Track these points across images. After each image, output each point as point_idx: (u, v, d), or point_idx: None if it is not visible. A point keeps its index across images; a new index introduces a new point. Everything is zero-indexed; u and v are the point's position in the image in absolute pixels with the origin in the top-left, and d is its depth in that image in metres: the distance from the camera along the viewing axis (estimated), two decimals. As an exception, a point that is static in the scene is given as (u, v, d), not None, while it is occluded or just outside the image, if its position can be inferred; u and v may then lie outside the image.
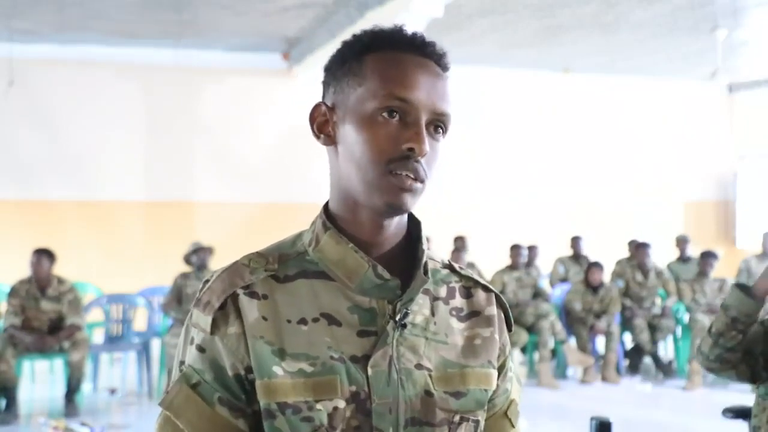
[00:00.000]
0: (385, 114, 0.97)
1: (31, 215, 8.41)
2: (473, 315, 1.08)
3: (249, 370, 0.96)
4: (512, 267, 7.31)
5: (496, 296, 1.14)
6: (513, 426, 1.14)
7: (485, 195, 9.85)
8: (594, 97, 10.47)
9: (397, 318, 0.99)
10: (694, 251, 8.26)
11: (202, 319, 0.98)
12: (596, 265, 7.16)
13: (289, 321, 0.97)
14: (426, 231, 1.07)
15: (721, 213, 11.26)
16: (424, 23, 6.62)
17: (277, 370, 0.95)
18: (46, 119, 8.50)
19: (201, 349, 0.97)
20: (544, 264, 8.41)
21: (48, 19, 7.40)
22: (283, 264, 1.01)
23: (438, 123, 1.00)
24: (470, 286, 1.11)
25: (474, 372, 1.04)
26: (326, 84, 1.05)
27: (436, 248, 7.96)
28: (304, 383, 0.94)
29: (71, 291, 5.85)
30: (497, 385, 1.10)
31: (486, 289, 1.13)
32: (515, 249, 7.33)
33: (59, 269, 5.98)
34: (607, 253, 8.22)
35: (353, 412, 0.95)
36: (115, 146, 8.72)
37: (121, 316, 6.68)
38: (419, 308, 1.03)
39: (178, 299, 6.32)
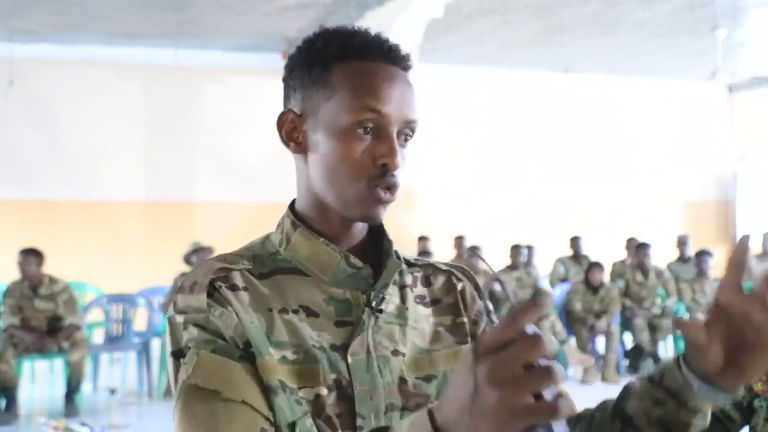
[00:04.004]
0: (360, 129, 0.97)
1: (31, 215, 8.41)
2: (435, 303, 1.09)
3: (248, 344, 0.94)
4: (512, 267, 7.32)
5: (461, 271, 1.13)
6: None
7: (485, 195, 9.85)
8: (594, 97, 10.47)
9: (374, 304, 1.01)
10: (693, 251, 8.26)
11: (194, 300, 0.95)
12: (596, 265, 7.16)
13: (270, 310, 0.97)
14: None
15: (721, 213, 11.26)
16: (424, 23, 6.62)
17: (271, 350, 0.94)
18: (46, 119, 8.49)
19: (201, 327, 0.94)
20: (544, 264, 8.41)
21: (48, 19, 7.40)
22: (257, 263, 1.02)
23: (407, 131, 1.01)
24: (429, 274, 1.12)
25: (440, 354, 1.04)
26: (291, 88, 1.04)
27: (436, 248, 7.96)
28: (288, 370, 0.94)
29: (65, 290, 5.83)
30: None
31: (444, 272, 1.13)
32: (515, 249, 7.34)
33: (60, 269, 5.96)
34: (607, 253, 8.22)
35: (335, 399, 0.95)
36: (115, 146, 8.72)
37: (121, 316, 6.68)
38: (390, 297, 1.04)
39: (178, 299, 6.31)
